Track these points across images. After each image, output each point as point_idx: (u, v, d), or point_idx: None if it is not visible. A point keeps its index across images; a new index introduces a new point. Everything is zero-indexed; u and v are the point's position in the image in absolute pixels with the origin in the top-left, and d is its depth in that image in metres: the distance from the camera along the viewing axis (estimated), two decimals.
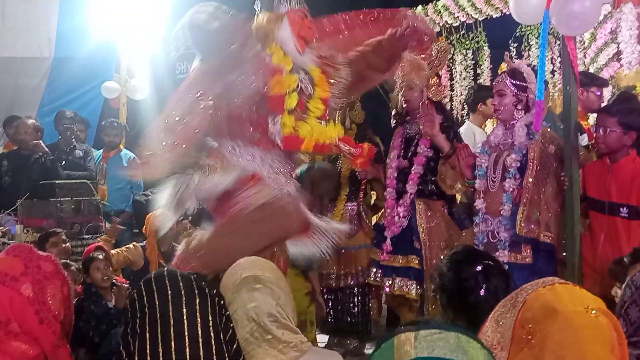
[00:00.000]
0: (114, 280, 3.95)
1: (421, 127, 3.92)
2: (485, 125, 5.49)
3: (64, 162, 5.80)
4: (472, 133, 5.06)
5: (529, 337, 1.44)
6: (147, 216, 5.42)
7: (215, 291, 1.73)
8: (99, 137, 6.66)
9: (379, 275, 3.99)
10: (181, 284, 1.65)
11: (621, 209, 3.39)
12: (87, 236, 5.11)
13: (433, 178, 3.95)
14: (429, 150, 3.96)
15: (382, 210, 4.24)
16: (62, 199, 5.14)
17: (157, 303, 1.61)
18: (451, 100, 7.27)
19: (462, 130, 5.27)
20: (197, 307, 1.63)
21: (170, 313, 1.60)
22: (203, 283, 1.70)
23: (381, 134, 4.91)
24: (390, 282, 3.91)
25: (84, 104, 7.41)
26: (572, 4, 3.08)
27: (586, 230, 3.62)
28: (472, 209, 3.78)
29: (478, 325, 1.62)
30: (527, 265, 3.41)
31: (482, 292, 1.99)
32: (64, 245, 4.34)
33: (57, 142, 6.05)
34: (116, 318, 3.65)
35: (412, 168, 3.99)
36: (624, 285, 2.09)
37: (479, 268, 2.04)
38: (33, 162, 5.55)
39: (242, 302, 1.78)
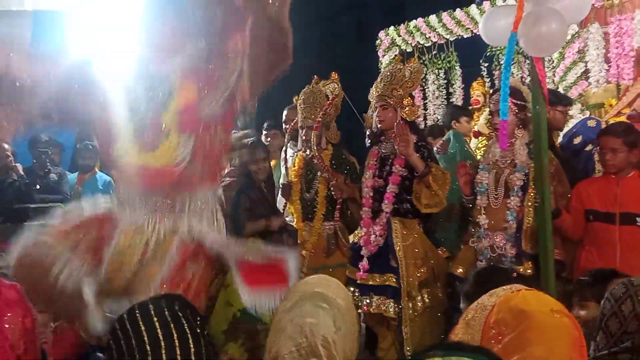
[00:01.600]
0: None
1: (396, 147, 3.98)
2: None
3: (38, 186, 5.75)
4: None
5: (500, 337, 1.53)
6: None
7: (199, 320, 1.63)
8: (74, 161, 6.62)
9: (356, 294, 4.01)
10: (170, 320, 1.55)
11: (638, 218, 3.62)
12: None
13: (408, 197, 4.01)
14: (403, 169, 4.01)
15: (358, 229, 4.27)
16: (36, 223, 5.09)
17: (146, 347, 1.50)
18: (425, 119, 7.38)
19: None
20: (192, 350, 1.52)
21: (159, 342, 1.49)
22: (192, 315, 1.61)
23: (356, 154, 4.98)
24: (367, 300, 3.94)
25: (59, 128, 7.35)
26: (540, 25, 3.17)
27: (584, 244, 3.79)
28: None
29: None
30: (529, 277, 3.54)
31: None
32: None
33: (31, 166, 6.00)
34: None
35: (388, 187, 4.03)
36: (603, 299, 2.15)
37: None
38: (7, 185, 5.50)
39: (302, 313, 1.70)
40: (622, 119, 5.06)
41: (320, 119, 4.34)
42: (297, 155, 4.63)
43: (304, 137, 4.46)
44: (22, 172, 5.65)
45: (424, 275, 3.88)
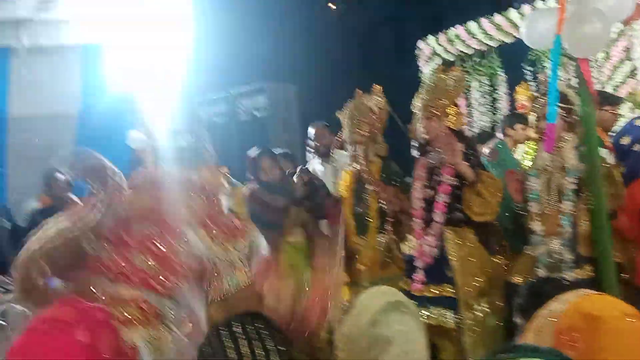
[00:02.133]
0: None
1: (443, 157, 3.97)
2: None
3: None
4: None
5: (572, 343, 1.51)
6: None
7: (281, 337, 1.67)
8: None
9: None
10: (256, 339, 1.60)
11: None
12: None
13: (460, 206, 3.99)
14: (453, 178, 4.00)
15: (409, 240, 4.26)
16: None
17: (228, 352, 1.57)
18: (470, 127, 7.34)
19: None
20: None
21: None
22: (274, 333, 1.66)
23: (403, 166, 4.99)
24: (426, 312, 3.92)
25: (113, 156, 7.56)
26: (583, 26, 3.15)
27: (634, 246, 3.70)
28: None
29: None
30: (590, 280, 3.49)
31: None
32: None
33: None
34: None
35: (438, 197, 4.02)
36: None
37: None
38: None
39: (390, 323, 1.75)
40: None
41: (366, 133, 4.37)
42: (345, 170, 4.67)
43: (352, 152, 4.50)
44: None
45: (481, 284, 3.85)
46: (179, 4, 6.57)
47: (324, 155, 5.12)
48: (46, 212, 5.77)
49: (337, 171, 5.04)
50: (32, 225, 5.71)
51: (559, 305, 1.62)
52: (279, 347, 1.59)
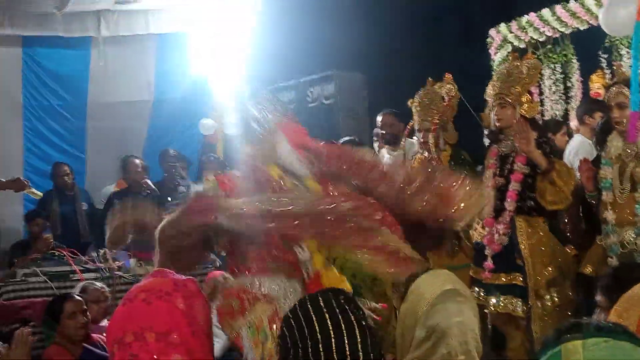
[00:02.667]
0: None
1: (516, 145, 3.94)
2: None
3: (169, 199, 6.14)
4: (588, 144, 5.04)
5: None
6: None
7: (362, 313, 1.71)
8: (200, 174, 7.01)
9: (482, 293, 4.00)
10: (338, 312, 1.65)
11: None
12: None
13: (531, 194, 3.96)
14: (525, 167, 3.96)
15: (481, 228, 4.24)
16: None
17: (317, 336, 1.60)
18: (542, 115, 7.18)
19: (576, 143, 5.27)
20: (358, 340, 1.61)
21: (333, 348, 1.58)
22: (355, 308, 1.69)
23: (473, 153, 4.96)
24: (494, 300, 3.92)
25: (184, 142, 7.81)
26: None
27: None
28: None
29: None
30: None
31: None
32: None
33: (162, 180, 6.41)
34: None
35: (510, 185, 3.99)
36: None
37: None
38: (141, 199, 5.90)
39: (447, 314, 1.75)
40: None
41: (437, 121, 4.38)
42: (415, 158, 4.69)
43: (421, 140, 4.51)
44: (153, 187, 6.04)
45: (551, 273, 3.82)
46: None
47: (392, 143, 5.13)
48: (121, 194, 6.06)
49: (406, 159, 5.05)
50: (109, 207, 6.00)
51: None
52: (360, 322, 1.65)
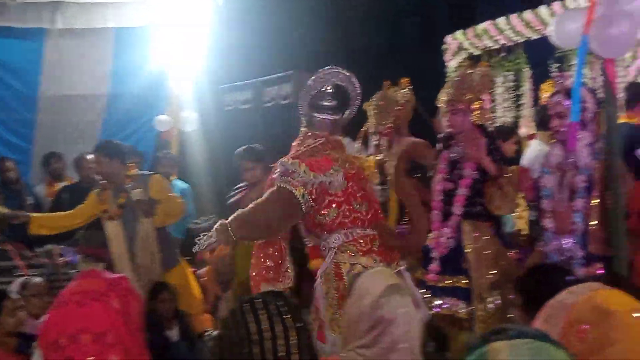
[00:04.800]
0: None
1: (467, 151, 4.03)
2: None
3: None
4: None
5: (582, 335, 1.58)
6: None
7: (300, 316, 1.77)
8: (154, 169, 6.95)
9: (428, 295, 4.08)
10: (275, 315, 1.70)
11: None
12: None
13: (479, 200, 4.05)
14: (474, 172, 4.06)
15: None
16: None
17: (254, 338, 1.66)
18: (494, 122, 7.33)
19: (536, 150, 5.39)
20: (294, 342, 1.68)
21: (269, 350, 1.64)
22: (293, 311, 1.75)
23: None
24: (439, 302, 4.00)
25: (139, 137, 7.73)
26: (611, 27, 3.18)
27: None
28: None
29: None
30: (599, 276, 3.53)
31: None
32: None
33: None
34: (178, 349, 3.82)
35: (458, 190, 4.08)
36: None
37: (569, 278, 2.17)
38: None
39: (392, 306, 1.86)
40: None
41: (391, 124, 4.43)
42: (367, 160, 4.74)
43: (376, 142, 4.56)
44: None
45: (494, 277, 3.91)
46: None
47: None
48: (71, 189, 5.97)
49: None
50: (58, 202, 5.88)
51: (570, 297, 1.68)
52: (297, 324, 1.71)
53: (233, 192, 4.96)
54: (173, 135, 7.79)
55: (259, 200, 3.39)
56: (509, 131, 6.05)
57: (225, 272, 4.88)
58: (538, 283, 2.31)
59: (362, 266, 3.27)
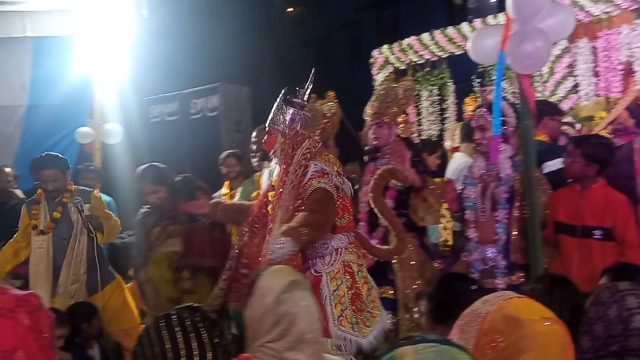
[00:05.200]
0: None
1: (392, 163, 4.09)
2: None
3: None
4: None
5: (494, 344, 1.62)
6: None
7: (218, 331, 1.75)
8: (76, 182, 6.72)
9: None
10: (191, 331, 1.69)
11: (595, 231, 3.68)
12: None
13: (404, 211, 4.11)
14: (399, 184, 4.11)
15: None
16: None
17: (168, 355, 1.64)
18: (419, 135, 7.50)
19: (459, 162, 5.51)
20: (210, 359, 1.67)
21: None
22: (211, 326, 1.74)
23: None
24: None
25: (60, 150, 7.45)
26: (525, 44, 3.30)
27: (556, 254, 3.86)
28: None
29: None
30: (521, 285, 3.60)
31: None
32: None
33: (33, 189, 6.09)
34: None
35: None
36: (589, 303, 2.22)
37: (474, 287, 2.21)
38: (9, 208, 5.58)
39: (295, 300, 1.88)
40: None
41: (318, 137, 4.44)
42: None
43: None
44: (23, 196, 5.74)
45: (420, 287, 3.96)
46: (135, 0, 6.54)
47: (263, 158, 5.10)
48: None
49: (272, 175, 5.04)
50: None
51: (483, 307, 1.71)
52: (214, 341, 1.68)
53: (143, 216, 4.72)
54: (96, 147, 7.56)
55: (311, 202, 3.35)
56: (435, 145, 6.18)
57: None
58: (443, 293, 2.36)
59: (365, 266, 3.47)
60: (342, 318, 3.27)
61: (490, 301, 1.72)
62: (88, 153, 7.54)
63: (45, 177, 4.43)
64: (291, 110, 3.53)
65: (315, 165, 3.38)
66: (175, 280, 4.48)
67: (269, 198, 3.61)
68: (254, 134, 5.57)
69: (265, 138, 3.67)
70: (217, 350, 1.66)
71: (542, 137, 4.77)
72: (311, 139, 3.66)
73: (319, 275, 3.37)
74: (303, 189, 3.39)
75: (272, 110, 3.64)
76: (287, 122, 3.52)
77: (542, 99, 5.99)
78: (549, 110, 4.91)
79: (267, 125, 3.64)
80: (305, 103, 3.66)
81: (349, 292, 3.33)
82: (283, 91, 3.64)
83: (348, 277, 3.36)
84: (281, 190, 3.48)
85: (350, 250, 3.46)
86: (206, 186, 4.90)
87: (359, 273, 3.41)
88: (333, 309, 3.29)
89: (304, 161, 3.54)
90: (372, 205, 3.77)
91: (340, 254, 3.43)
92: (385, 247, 3.77)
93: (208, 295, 4.01)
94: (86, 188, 4.95)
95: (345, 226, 3.44)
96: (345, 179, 3.53)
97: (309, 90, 3.70)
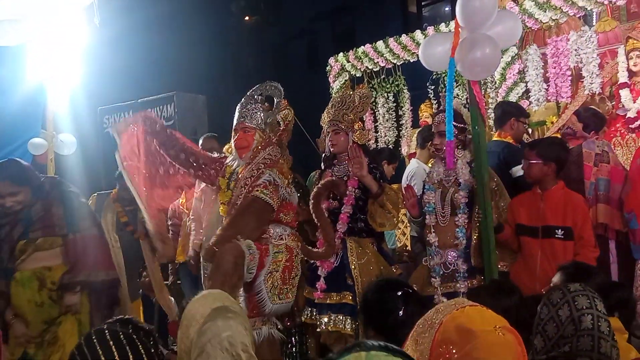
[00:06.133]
0: None
1: (350, 169, 4.12)
2: (432, 162, 5.73)
3: None
4: (423, 170, 5.37)
5: (447, 355, 1.60)
6: None
7: (153, 342, 1.75)
8: None
9: (314, 313, 4.11)
10: (125, 343, 1.67)
11: (557, 230, 3.80)
12: None
13: (362, 217, 4.15)
14: (357, 190, 4.15)
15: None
16: None
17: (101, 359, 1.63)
18: (376, 141, 7.55)
19: (412, 168, 5.57)
20: None
21: None
22: (145, 337, 1.73)
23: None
24: (325, 319, 4.04)
25: None
26: (474, 51, 3.37)
27: (519, 257, 3.94)
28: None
29: (395, 343, 1.79)
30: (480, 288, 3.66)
31: (400, 313, 2.18)
32: None
33: None
34: None
35: (342, 208, 4.17)
36: (540, 304, 2.27)
37: (400, 293, 2.23)
38: None
39: (217, 331, 1.80)
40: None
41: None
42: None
43: None
44: None
45: None
46: (86, 6, 6.44)
47: None
48: None
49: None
50: None
51: (436, 316, 1.70)
52: (150, 350, 1.68)
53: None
54: (49, 158, 7.40)
55: (245, 207, 3.96)
56: (394, 155, 6.25)
57: None
58: (373, 299, 2.38)
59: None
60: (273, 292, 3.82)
61: (443, 311, 1.70)
62: (41, 164, 7.38)
63: None
64: (260, 108, 3.71)
65: (269, 175, 3.55)
66: (55, 299, 3.79)
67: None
68: (200, 141, 5.60)
69: (239, 135, 3.88)
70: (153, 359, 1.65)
71: (508, 139, 4.87)
72: (274, 146, 3.78)
73: (266, 246, 3.91)
74: (247, 192, 3.92)
75: (245, 108, 3.83)
76: (262, 122, 3.76)
77: (506, 100, 6.11)
78: (515, 112, 5.01)
79: (240, 122, 3.85)
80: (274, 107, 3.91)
81: (285, 263, 3.91)
82: (255, 89, 3.82)
83: (288, 253, 3.96)
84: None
85: (292, 238, 4.07)
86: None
87: (296, 257, 4.02)
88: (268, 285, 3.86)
89: (262, 166, 3.74)
90: (311, 211, 4.12)
91: (284, 239, 4.02)
92: (316, 249, 4.14)
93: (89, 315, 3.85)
94: None
95: (290, 221, 4.09)
96: (294, 190, 4.10)
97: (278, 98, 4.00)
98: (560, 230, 3.80)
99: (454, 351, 1.60)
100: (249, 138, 4.00)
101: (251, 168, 4.02)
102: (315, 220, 4.10)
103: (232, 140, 4.15)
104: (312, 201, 4.11)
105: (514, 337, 1.64)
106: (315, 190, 4.14)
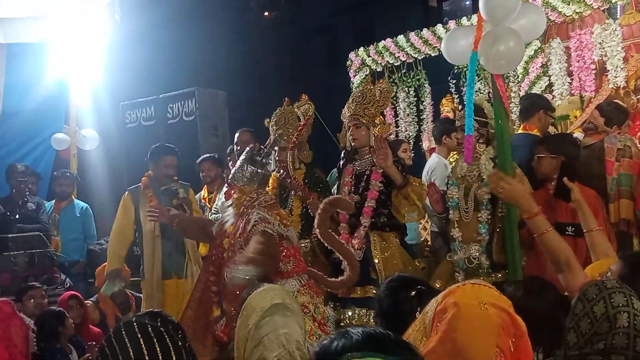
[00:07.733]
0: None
1: (376, 161, 4.12)
2: (452, 157, 5.69)
3: (17, 216, 5.79)
4: (444, 165, 5.34)
5: (437, 324, 1.71)
6: (97, 270, 5.45)
7: (181, 335, 1.75)
8: (52, 189, 6.66)
9: (338, 307, 4.12)
10: (153, 337, 1.68)
11: (567, 227, 3.75)
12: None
13: (385, 210, 4.14)
14: (380, 183, 4.14)
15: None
16: (15, 253, 5.15)
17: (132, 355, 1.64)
18: (397, 136, 7.52)
19: (432, 162, 5.54)
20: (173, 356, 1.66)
21: None
22: (173, 331, 1.74)
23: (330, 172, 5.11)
24: (350, 313, 4.04)
25: (36, 156, 7.39)
26: (498, 44, 3.33)
27: (532, 253, 3.90)
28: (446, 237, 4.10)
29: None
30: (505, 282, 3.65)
31: (417, 315, 2.16)
32: (41, 300, 4.37)
33: (9, 196, 6.04)
34: None
35: (366, 202, 4.16)
36: (575, 300, 2.23)
37: (413, 293, 2.22)
38: None
39: (274, 326, 1.86)
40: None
41: (295, 140, 4.46)
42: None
43: (277, 158, 4.57)
44: None
45: None
46: (108, 3, 6.50)
47: None
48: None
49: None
50: None
51: (443, 293, 1.79)
52: (177, 344, 1.68)
53: None
54: (72, 154, 7.49)
55: (256, 241, 3.47)
56: (398, 142, 6.16)
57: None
58: (391, 304, 2.37)
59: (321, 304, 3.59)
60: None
61: (449, 287, 1.79)
62: (64, 160, 7.48)
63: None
64: (250, 169, 3.62)
65: (258, 214, 3.47)
66: None
67: (225, 246, 3.73)
68: (237, 135, 5.60)
69: (227, 189, 3.82)
70: (181, 353, 1.66)
71: (535, 132, 4.81)
72: (265, 195, 3.68)
73: None
74: (248, 235, 3.53)
75: (236, 168, 3.79)
76: (245, 180, 3.62)
77: (534, 92, 6.06)
78: (544, 104, 4.94)
79: (229, 180, 3.78)
80: (266, 162, 3.83)
81: (314, 323, 3.46)
82: (248, 149, 3.78)
83: (307, 318, 3.42)
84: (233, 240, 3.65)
85: (303, 292, 3.55)
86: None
87: (316, 310, 3.53)
88: None
89: (247, 209, 3.57)
90: (321, 240, 3.74)
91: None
92: (340, 278, 3.71)
93: None
94: None
95: (291, 270, 3.58)
96: (290, 227, 3.69)
97: (271, 151, 4.07)
98: (571, 227, 3.76)
99: (441, 318, 1.71)
100: (229, 192, 3.82)
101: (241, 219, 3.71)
102: (330, 246, 3.78)
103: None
104: (318, 230, 3.73)
105: (498, 312, 1.70)
106: (316, 218, 3.77)
